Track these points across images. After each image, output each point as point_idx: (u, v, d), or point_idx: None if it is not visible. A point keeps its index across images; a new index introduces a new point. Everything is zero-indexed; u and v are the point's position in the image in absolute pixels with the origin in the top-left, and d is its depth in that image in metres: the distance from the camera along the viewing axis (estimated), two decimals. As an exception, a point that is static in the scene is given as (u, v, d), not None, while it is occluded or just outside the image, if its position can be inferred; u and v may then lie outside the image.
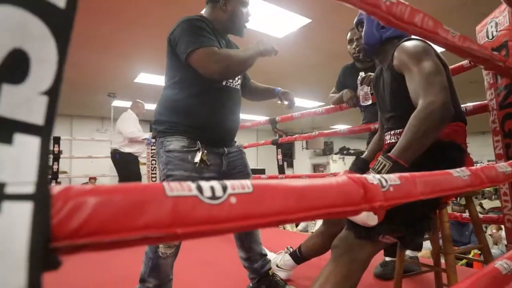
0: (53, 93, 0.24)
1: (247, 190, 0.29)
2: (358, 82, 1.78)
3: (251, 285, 1.52)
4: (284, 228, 4.05)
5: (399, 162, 0.89)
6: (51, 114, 0.23)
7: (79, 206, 0.21)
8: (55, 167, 4.01)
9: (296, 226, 4.68)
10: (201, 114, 1.28)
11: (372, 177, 0.40)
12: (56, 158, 3.96)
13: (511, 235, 1.24)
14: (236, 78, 1.40)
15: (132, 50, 4.05)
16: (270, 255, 1.89)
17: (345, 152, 12.10)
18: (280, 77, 4.98)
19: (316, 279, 0.96)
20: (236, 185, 0.29)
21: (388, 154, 0.92)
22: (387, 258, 1.85)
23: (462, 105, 1.50)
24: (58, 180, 6.84)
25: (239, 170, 1.45)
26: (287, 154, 11.52)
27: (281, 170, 2.82)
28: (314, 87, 5.54)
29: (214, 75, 1.20)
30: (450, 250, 1.09)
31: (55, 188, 0.22)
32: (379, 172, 0.90)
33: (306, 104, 7.01)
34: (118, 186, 0.24)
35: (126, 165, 3.77)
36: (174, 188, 0.25)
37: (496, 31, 1.27)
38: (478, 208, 5.48)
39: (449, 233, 1.11)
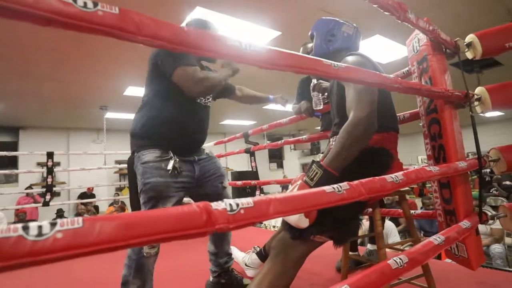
0: None
1: (77, 226, 0.35)
2: (311, 88, 1.84)
3: (211, 279, 1.59)
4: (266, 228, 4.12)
5: (328, 170, 0.94)
6: None
7: None
8: (49, 180, 3.99)
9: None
10: (174, 127, 1.37)
11: (221, 203, 0.46)
12: (50, 171, 3.95)
13: (442, 228, 1.30)
14: (207, 97, 1.51)
15: (119, 67, 4.10)
16: (240, 255, 1.95)
17: (331, 150, 12.16)
18: (259, 85, 5.05)
19: (255, 277, 1.01)
20: (66, 222, 0.34)
21: (320, 162, 0.98)
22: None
23: (401, 113, 1.58)
24: (57, 191, 6.86)
25: (212, 173, 1.53)
26: (276, 155, 11.59)
27: (255, 176, 2.89)
28: (289, 93, 5.63)
29: (193, 93, 1.35)
30: (382, 245, 1.15)
31: None
32: (312, 179, 0.96)
33: (285, 108, 7.10)
34: None
35: None
36: (-1, 232, 0.31)
37: (419, 45, 1.34)
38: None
39: (381, 230, 1.17)
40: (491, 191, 5.83)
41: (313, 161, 1.30)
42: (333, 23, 1.31)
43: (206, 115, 1.51)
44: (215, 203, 0.45)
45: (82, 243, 0.34)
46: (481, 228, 3.30)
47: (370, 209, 1.25)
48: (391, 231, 2.90)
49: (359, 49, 1.36)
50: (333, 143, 1.28)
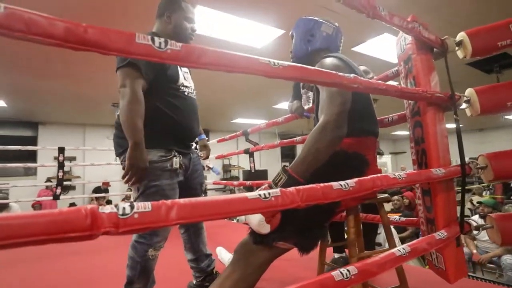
0: None
1: None
2: (301, 86, 1.79)
3: (194, 282, 1.57)
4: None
5: (293, 176, 0.91)
6: None
7: None
8: (60, 174, 4.14)
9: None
10: (169, 118, 1.30)
11: (113, 206, 0.44)
12: (61, 166, 4.10)
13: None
14: (192, 89, 1.47)
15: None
16: (227, 256, 1.94)
17: (345, 151, 11.96)
18: (263, 83, 5.02)
19: (215, 281, 1.00)
20: None
21: (286, 167, 0.94)
22: (336, 255, 1.87)
23: (390, 115, 1.51)
24: (72, 185, 7.12)
25: (198, 174, 1.53)
26: (289, 155, 11.54)
27: (264, 175, 2.88)
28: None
29: (120, 93, 1.25)
30: (353, 254, 1.11)
31: None
32: (276, 184, 0.93)
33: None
34: None
35: None
36: None
37: (405, 44, 1.27)
38: (468, 205, 5.30)
39: (354, 237, 1.13)
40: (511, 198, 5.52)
41: (283, 167, 1.28)
42: (313, 22, 1.27)
43: (195, 106, 1.46)
44: (107, 206, 0.44)
45: None
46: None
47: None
48: (391, 237, 2.79)
49: (339, 48, 1.32)
50: None
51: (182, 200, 0.50)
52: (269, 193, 0.59)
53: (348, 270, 0.72)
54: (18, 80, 4.52)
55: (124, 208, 0.45)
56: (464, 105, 1.21)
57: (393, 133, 12.08)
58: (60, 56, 3.75)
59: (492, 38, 1.16)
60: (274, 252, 0.99)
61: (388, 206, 4.92)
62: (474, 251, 2.99)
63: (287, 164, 0.98)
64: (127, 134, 1.18)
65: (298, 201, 0.62)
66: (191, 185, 1.47)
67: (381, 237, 2.79)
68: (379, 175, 0.84)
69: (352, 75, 0.82)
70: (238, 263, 0.98)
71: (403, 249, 0.87)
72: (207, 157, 1.86)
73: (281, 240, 0.95)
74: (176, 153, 1.33)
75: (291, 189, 0.63)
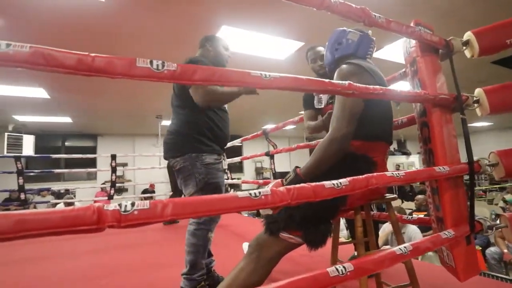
0: None
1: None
2: None
3: None
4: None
5: (299, 176, 0.96)
6: None
7: None
8: (113, 178, 4.46)
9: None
10: (218, 129, 1.49)
11: (117, 205, 0.49)
12: (114, 170, 4.43)
13: (436, 236, 1.16)
14: (227, 105, 1.62)
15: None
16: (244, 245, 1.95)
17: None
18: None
19: (230, 272, 1.02)
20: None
21: (297, 167, 0.99)
22: (356, 253, 1.80)
23: (399, 118, 1.42)
24: (125, 187, 7.61)
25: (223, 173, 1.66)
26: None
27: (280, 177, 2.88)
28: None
29: (200, 104, 1.39)
30: (361, 252, 1.07)
31: None
32: (286, 180, 0.99)
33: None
34: None
35: None
36: None
37: (410, 47, 1.22)
38: (501, 203, 4.79)
39: (361, 236, 1.09)
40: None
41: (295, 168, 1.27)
42: (341, 32, 1.25)
43: (229, 119, 1.64)
44: (111, 204, 0.48)
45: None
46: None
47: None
48: (415, 236, 2.63)
49: (368, 53, 1.22)
50: None
51: (177, 199, 0.53)
52: (259, 192, 0.60)
53: (344, 267, 0.70)
54: (81, 100, 4.98)
55: (126, 206, 0.49)
56: (474, 105, 1.12)
57: (421, 133, 11.30)
58: (113, 79, 4.07)
59: (499, 36, 1.07)
60: (284, 246, 0.99)
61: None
62: (505, 250, 2.70)
63: (299, 166, 1.01)
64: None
65: (288, 199, 0.63)
66: None
67: (405, 236, 2.64)
68: (375, 174, 0.81)
69: (346, 82, 0.80)
70: (251, 256, 0.99)
71: (405, 247, 0.83)
72: None
73: (286, 229, 0.96)
74: (223, 156, 1.53)
75: (281, 189, 0.64)
